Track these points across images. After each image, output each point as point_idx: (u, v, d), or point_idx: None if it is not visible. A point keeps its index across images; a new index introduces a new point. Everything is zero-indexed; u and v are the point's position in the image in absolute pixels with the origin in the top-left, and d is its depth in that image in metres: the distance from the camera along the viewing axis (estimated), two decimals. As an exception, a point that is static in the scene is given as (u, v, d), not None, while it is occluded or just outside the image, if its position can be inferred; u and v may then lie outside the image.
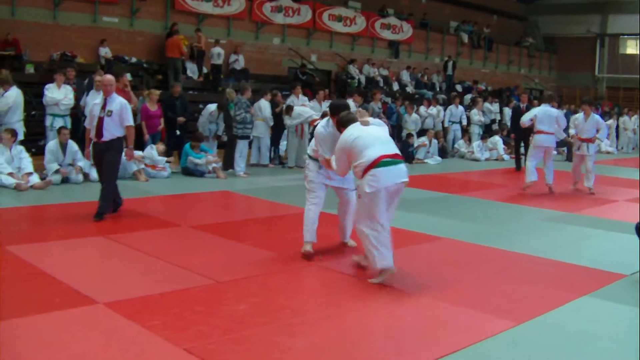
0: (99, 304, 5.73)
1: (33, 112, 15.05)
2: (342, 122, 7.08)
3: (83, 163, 12.34)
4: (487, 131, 22.78)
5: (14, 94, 12.83)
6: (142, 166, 13.28)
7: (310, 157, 7.83)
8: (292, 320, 5.51)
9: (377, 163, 6.55)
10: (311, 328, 5.33)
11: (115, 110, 9.26)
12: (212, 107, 16.02)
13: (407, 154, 18.75)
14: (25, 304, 5.65)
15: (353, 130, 6.83)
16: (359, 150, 6.67)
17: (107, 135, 9.26)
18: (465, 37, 33.90)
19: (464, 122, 22.45)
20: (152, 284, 6.33)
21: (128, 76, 15.40)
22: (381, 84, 27.14)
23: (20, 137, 12.68)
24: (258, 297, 6.11)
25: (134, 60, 21.30)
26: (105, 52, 20.42)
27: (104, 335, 5.08)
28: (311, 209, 7.70)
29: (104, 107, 9.28)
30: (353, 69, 26.91)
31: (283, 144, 17.54)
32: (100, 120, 9.25)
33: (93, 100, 9.89)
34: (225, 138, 15.90)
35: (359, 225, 6.71)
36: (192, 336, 5.04)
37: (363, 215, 6.65)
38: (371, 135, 6.78)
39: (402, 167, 6.83)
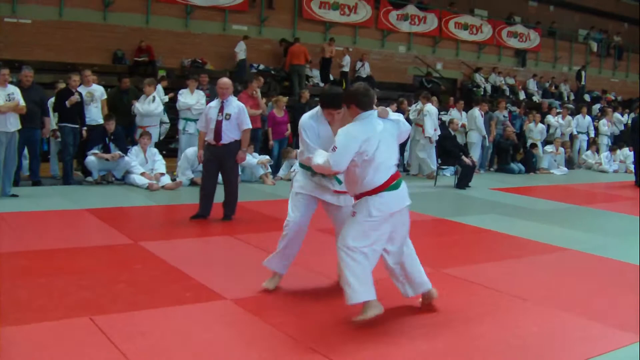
0: (227, 299, 5.91)
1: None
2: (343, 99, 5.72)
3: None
4: (616, 142, 22.17)
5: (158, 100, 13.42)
6: (269, 170, 13.57)
7: (300, 165, 6.37)
8: (415, 323, 5.52)
9: (387, 187, 5.47)
10: (435, 332, 5.33)
11: (233, 113, 9.31)
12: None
13: (530, 165, 18.49)
14: (158, 297, 5.89)
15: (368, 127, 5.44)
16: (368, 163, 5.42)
17: (226, 139, 9.32)
18: (594, 46, 32.99)
19: (592, 133, 21.94)
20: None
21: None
22: (507, 93, 26.79)
23: (155, 139, 13.19)
24: (381, 299, 6.15)
25: (261, 67, 21.73)
26: (241, 49, 21.02)
27: (232, 329, 5.25)
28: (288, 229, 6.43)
29: (221, 110, 9.33)
30: (479, 78, 26.66)
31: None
32: (219, 124, 9.29)
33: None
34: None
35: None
36: (316, 334, 5.13)
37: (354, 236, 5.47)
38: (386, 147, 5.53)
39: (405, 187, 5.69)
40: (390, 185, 5.42)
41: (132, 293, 6.00)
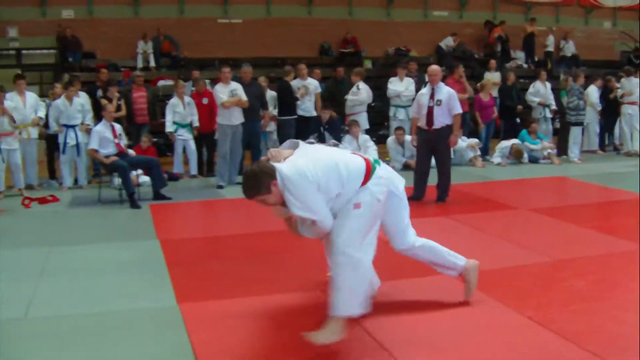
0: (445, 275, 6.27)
1: (373, 104, 16.00)
2: None
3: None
4: None
5: (366, 88, 13.95)
6: (478, 153, 13.77)
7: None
8: (629, 297, 5.56)
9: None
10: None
11: (444, 99, 9.62)
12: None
13: None
14: (380, 271, 6.17)
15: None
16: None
17: (438, 123, 9.67)
18: None
19: None
20: (494, 259, 6.67)
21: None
22: None
23: (365, 126, 13.75)
24: (596, 275, 6.23)
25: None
26: (447, 42, 21.24)
27: (451, 302, 5.56)
28: None
29: (432, 96, 9.69)
30: (692, 50, 25.40)
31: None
32: (430, 110, 9.67)
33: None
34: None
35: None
36: (533, 306, 5.34)
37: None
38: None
39: None
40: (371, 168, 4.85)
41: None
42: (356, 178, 4.72)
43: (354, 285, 4.59)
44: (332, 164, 4.69)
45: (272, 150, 5.02)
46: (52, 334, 5.05)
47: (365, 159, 4.87)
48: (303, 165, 4.60)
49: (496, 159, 14.07)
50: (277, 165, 4.62)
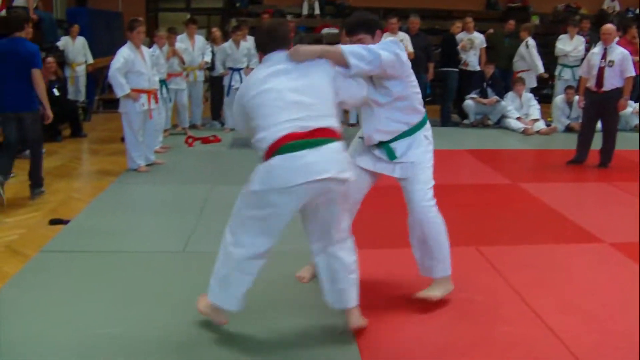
0: (605, 242, 6.09)
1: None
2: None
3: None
4: None
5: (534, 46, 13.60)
6: (648, 120, 13.20)
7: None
8: None
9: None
10: None
11: (616, 60, 9.25)
12: None
13: None
14: (539, 234, 6.28)
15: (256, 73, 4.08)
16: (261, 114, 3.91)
17: (608, 85, 9.28)
18: None
19: None
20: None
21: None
22: None
23: (533, 85, 13.43)
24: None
25: (637, 11, 20.81)
26: (609, 4, 20.32)
27: (610, 271, 5.44)
28: None
29: (604, 56, 9.32)
30: None
31: None
32: (601, 70, 9.29)
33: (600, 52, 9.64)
34: None
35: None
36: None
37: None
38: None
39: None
40: (283, 145, 3.77)
41: (514, 228, 6.46)
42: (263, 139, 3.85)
43: (225, 273, 4.12)
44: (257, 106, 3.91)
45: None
46: (204, 269, 5.23)
47: (292, 135, 3.78)
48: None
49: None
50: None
